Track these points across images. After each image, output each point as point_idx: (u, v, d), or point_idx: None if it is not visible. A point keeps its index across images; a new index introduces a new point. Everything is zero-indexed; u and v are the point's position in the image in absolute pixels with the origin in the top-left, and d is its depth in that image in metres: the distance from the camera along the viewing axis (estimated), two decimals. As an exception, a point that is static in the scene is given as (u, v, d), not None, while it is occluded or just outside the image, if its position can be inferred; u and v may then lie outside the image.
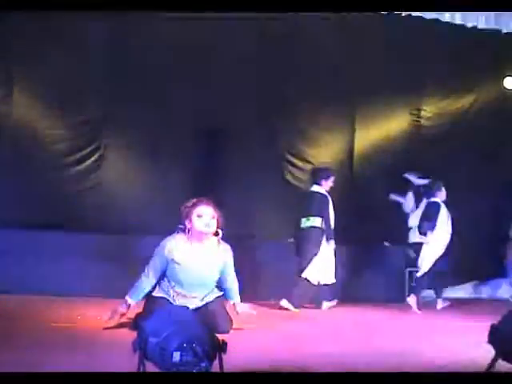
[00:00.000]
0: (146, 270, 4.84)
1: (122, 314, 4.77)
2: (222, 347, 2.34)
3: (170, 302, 4.75)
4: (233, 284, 5.05)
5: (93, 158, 8.76)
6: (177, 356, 2.22)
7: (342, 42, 9.28)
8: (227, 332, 4.54)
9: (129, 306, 4.80)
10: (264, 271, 7.91)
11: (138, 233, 7.89)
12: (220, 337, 2.38)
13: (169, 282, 4.82)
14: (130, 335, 3.38)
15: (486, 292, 9.54)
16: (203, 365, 2.22)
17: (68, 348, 3.90)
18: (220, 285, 5.01)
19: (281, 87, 9.25)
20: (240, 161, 8.96)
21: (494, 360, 2.62)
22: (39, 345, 4.01)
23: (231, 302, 5.07)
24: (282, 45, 9.12)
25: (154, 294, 4.81)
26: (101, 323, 5.12)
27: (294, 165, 9.46)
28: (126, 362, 2.62)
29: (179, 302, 4.76)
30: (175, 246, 4.79)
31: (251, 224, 8.74)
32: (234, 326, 4.83)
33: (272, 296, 7.40)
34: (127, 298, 4.81)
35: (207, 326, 2.44)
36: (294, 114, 9.33)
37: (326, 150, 9.72)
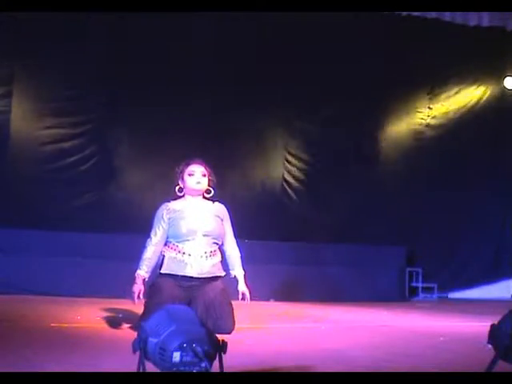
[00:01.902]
0: (148, 240, 4.84)
1: (140, 291, 4.66)
2: (222, 347, 2.34)
3: (179, 276, 4.68)
4: (232, 244, 4.98)
5: (93, 159, 8.77)
6: (177, 356, 2.22)
7: (349, 39, 9.31)
8: (230, 332, 4.52)
9: (143, 280, 4.73)
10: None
11: (139, 232, 7.89)
12: (220, 337, 2.38)
13: (174, 246, 4.76)
14: (130, 335, 3.39)
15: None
16: (203, 365, 2.22)
17: (68, 348, 3.90)
18: (221, 248, 4.93)
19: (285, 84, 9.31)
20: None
21: (494, 360, 2.61)
22: (39, 345, 4.01)
23: (232, 275, 4.94)
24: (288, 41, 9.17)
25: (161, 271, 4.75)
26: (101, 323, 5.14)
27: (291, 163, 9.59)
28: (126, 362, 2.62)
29: (187, 268, 4.68)
30: (172, 205, 4.89)
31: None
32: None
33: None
34: (137, 271, 4.75)
35: (208, 326, 2.44)
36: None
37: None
